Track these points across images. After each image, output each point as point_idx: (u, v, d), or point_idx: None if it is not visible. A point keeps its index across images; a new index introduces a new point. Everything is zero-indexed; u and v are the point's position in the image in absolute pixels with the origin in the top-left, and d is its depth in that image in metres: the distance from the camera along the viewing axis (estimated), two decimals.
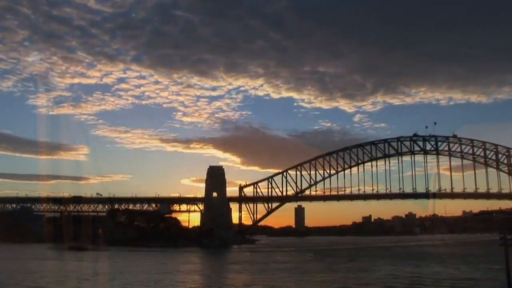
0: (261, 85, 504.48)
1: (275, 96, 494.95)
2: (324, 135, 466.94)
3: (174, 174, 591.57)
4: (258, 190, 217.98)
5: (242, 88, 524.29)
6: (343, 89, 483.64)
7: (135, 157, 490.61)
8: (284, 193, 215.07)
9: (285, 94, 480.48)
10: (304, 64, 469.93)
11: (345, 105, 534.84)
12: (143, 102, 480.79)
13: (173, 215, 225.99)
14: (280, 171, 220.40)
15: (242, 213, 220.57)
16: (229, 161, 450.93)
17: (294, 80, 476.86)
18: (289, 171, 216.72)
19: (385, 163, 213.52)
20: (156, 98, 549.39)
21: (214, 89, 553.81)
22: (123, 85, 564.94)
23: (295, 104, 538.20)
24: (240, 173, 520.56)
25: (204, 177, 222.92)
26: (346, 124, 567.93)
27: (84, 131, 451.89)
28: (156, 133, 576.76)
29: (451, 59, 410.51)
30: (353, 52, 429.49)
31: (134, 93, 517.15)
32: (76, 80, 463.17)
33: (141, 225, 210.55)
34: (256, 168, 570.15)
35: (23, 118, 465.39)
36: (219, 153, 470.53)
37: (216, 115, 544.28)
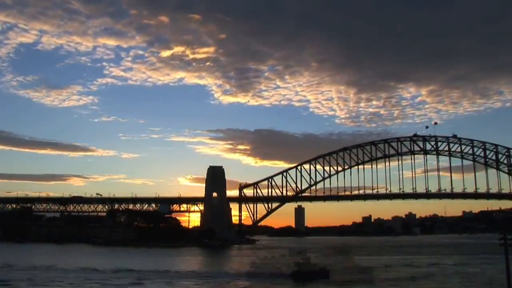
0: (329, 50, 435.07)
1: (333, 69, 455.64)
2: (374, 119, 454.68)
3: (179, 173, 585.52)
4: (258, 190, 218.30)
5: (306, 57, 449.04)
6: (420, 58, 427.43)
7: (146, 152, 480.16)
8: (284, 193, 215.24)
9: (345, 68, 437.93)
10: (384, 20, 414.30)
11: (409, 86, 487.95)
12: (179, 75, 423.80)
13: (173, 215, 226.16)
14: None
15: (242, 213, 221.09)
16: (254, 157, 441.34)
17: (367, 45, 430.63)
18: (289, 171, 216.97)
19: (385, 163, 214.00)
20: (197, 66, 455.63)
21: (269, 54, 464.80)
22: (156, 49, 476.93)
23: (354, 82, 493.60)
24: (263, 169, 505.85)
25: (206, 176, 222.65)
26: (401, 105, 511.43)
27: (87, 124, 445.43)
28: (183, 120, 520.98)
29: None
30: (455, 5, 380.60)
31: (171, 63, 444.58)
32: (100, 40, 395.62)
33: (141, 225, 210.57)
34: (281, 163, 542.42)
35: (22, 112, 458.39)
36: (246, 147, 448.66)
37: (264, 93, 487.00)
